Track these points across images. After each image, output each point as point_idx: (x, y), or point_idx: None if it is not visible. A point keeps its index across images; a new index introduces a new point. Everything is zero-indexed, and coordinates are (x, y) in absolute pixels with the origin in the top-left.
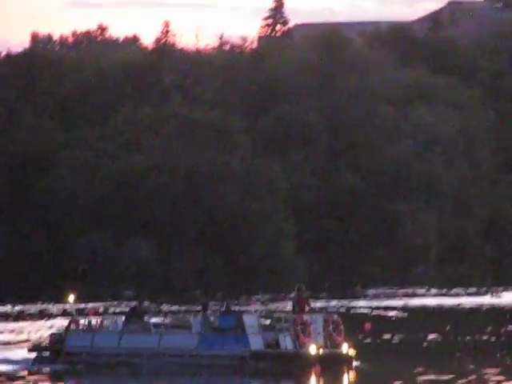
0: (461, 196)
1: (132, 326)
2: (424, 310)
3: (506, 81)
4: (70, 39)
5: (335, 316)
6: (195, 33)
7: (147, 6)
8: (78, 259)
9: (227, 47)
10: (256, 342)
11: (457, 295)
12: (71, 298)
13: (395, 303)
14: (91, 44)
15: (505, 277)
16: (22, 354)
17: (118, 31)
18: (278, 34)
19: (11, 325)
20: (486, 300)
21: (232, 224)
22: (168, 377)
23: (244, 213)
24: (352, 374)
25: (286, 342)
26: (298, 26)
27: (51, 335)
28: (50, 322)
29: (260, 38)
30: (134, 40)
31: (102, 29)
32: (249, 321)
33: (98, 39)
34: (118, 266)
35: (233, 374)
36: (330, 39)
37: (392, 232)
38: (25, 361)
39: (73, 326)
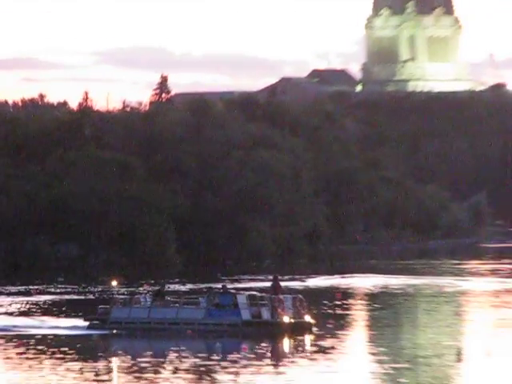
0: (290, 212)
1: (157, 303)
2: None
3: (321, 132)
4: (21, 104)
5: (300, 296)
6: (106, 99)
7: (74, 81)
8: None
9: (128, 109)
10: (246, 314)
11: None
12: (114, 282)
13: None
14: (34, 107)
15: (319, 268)
16: (79, 322)
17: (54, 98)
18: (163, 100)
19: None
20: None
21: (131, 231)
22: (184, 339)
23: (137, 224)
24: (312, 337)
25: (265, 314)
26: (177, 95)
27: (99, 309)
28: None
29: (151, 103)
30: (64, 104)
31: (42, 96)
32: (240, 299)
33: (40, 104)
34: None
35: (230, 336)
36: (199, 103)
37: (242, 237)
38: (82, 327)
39: (115, 302)
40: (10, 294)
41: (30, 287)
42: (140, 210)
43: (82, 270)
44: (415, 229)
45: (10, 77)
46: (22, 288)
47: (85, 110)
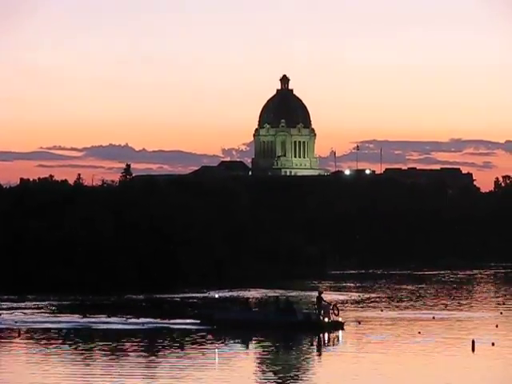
0: (206, 248)
1: (243, 309)
2: None
3: (226, 201)
4: (37, 180)
5: (335, 304)
6: (92, 179)
7: (71, 167)
8: None
9: (106, 185)
10: (300, 316)
11: None
12: (217, 295)
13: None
14: (46, 183)
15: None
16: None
17: (58, 178)
18: (127, 180)
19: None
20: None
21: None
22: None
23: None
24: (343, 332)
25: (313, 316)
26: (136, 176)
27: (207, 312)
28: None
29: (120, 181)
30: (65, 181)
31: (52, 176)
32: (296, 306)
33: (50, 181)
34: None
35: (289, 331)
36: (150, 182)
37: (176, 264)
38: (195, 323)
39: (218, 307)
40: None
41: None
42: (114, 251)
43: None
44: (283, 261)
45: (29, 164)
46: None
47: (78, 185)
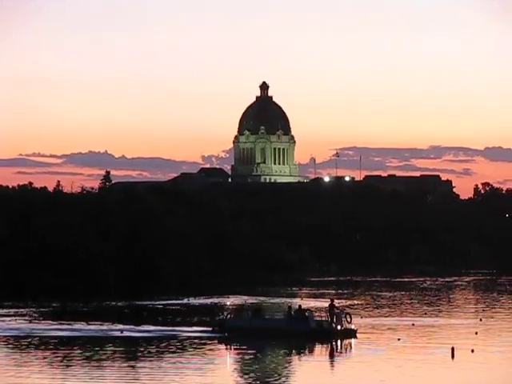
0: (187, 258)
1: (255, 317)
2: None
3: (206, 207)
4: (17, 187)
5: (348, 312)
6: (71, 186)
7: (50, 174)
8: None
9: (85, 192)
10: (312, 324)
11: None
12: (228, 302)
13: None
14: (25, 190)
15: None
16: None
17: (38, 185)
18: (107, 186)
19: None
20: None
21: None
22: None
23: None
24: (356, 339)
25: (325, 324)
26: (116, 183)
27: (218, 319)
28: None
29: (99, 188)
30: (44, 188)
31: (31, 183)
32: (308, 314)
33: (29, 188)
34: None
35: (301, 338)
36: (130, 189)
37: (157, 273)
38: (207, 331)
39: (230, 315)
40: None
41: None
42: (93, 257)
43: None
44: (263, 268)
45: (9, 171)
46: None
47: (58, 192)
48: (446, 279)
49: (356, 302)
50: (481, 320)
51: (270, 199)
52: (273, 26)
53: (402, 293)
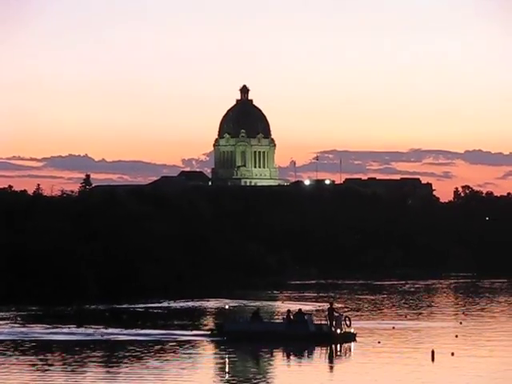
0: (167, 260)
1: (254, 320)
2: None
3: (186, 210)
4: None
5: (347, 315)
6: (51, 189)
7: (30, 177)
8: None
9: (65, 195)
10: (312, 328)
11: None
12: (227, 305)
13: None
14: (5, 193)
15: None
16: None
17: (18, 188)
18: (87, 190)
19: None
20: None
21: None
22: (272, 342)
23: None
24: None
25: (324, 328)
26: (96, 186)
27: (217, 323)
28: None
29: (79, 192)
30: (24, 191)
31: (11, 186)
32: (308, 318)
33: (9, 191)
34: None
35: (300, 342)
36: (110, 192)
37: (136, 275)
38: (204, 335)
39: (227, 318)
40: None
41: None
42: (74, 261)
43: None
44: (243, 271)
45: None
46: None
47: (37, 196)
48: (426, 282)
49: (336, 305)
50: (461, 323)
51: (250, 202)
52: (253, 29)
53: (383, 296)
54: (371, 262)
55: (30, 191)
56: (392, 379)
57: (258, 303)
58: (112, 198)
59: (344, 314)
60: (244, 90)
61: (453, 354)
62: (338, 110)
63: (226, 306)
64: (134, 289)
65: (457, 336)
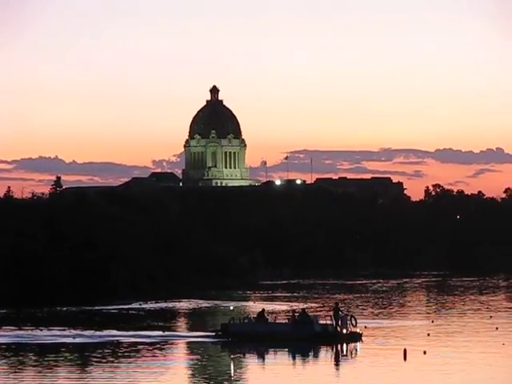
0: (138, 261)
1: (259, 321)
2: None
3: (157, 213)
4: None
5: (353, 315)
6: (21, 191)
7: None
8: None
9: (35, 197)
10: (317, 328)
11: None
12: (232, 306)
13: None
14: None
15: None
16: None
17: None
18: (58, 192)
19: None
20: None
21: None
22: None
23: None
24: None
25: (330, 328)
26: (66, 188)
27: (222, 324)
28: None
29: (50, 194)
30: None
31: None
32: (313, 319)
33: None
34: None
35: (306, 342)
36: (81, 194)
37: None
38: (210, 336)
39: (232, 320)
40: None
41: None
42: (44, 263)
43: None
44: (215, 272)
45: None
46: None
47: (8, 198)
48: (398, 281)
49: (308, 304)
50: (433, 321)
51: (221, 203)
52: (223, 29)
53: (355, 295)
54: (343, 261)
55: (1, 194)
56: (364, 377)
57: (232, 303)
58: (83, 200)
59: (349, 314)
60: (214, 91)
61: (425, 352)
62: (309, 110)
63: (231, 307)
64: (105, 290)
65: (429, 334)
